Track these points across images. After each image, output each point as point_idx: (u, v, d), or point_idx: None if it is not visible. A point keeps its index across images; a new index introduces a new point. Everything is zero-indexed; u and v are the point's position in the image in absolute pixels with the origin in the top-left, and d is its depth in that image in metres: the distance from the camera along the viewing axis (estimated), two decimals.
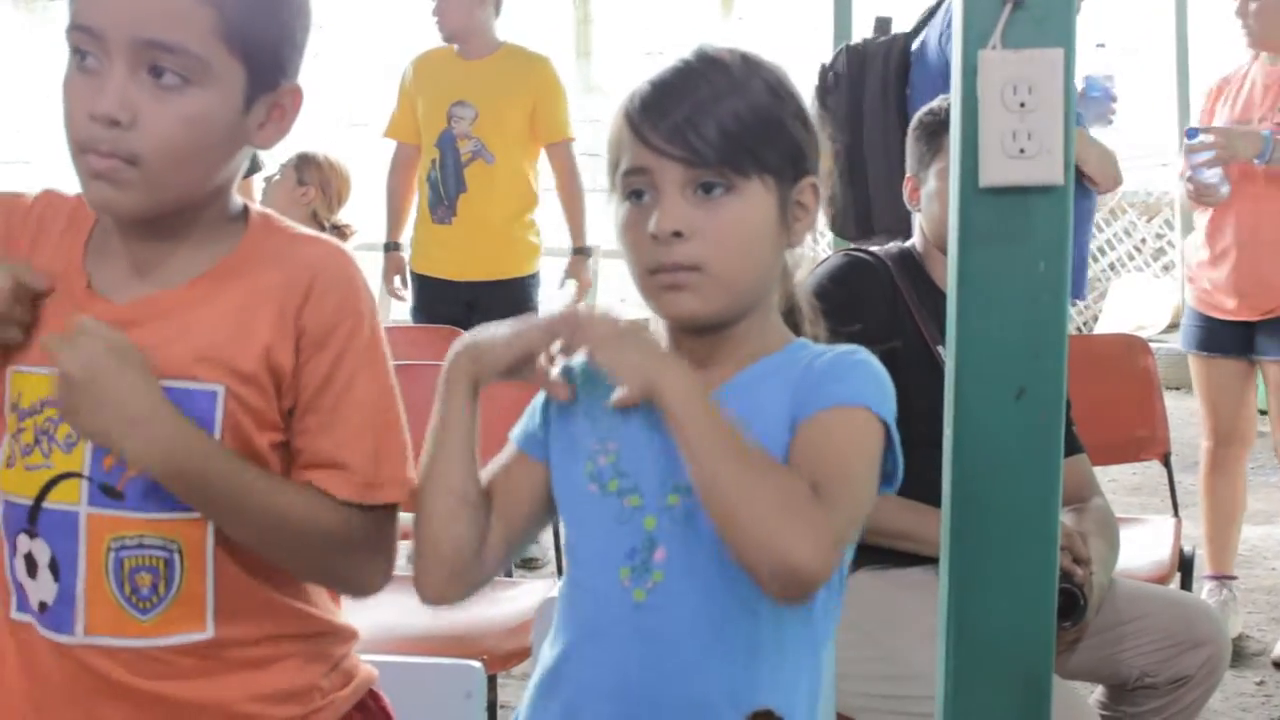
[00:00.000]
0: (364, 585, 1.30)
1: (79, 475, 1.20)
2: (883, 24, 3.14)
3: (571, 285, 4.26)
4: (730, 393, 1.23)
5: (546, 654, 1.29)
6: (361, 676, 1.33)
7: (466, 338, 1.24)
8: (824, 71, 3.07)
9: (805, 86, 1.31)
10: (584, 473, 1.25)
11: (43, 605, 1.22)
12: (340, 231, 3.71)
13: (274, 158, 3.93)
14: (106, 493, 1.20)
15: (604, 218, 1.25)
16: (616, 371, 1.16)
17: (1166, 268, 7.29)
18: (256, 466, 1.22)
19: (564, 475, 1.27)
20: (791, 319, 1.31)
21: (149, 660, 1.21)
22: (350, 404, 1.23)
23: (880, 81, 3.00)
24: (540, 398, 1.32)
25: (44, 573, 1.21)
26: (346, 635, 1.32)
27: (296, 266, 1.23)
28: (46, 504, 1.20)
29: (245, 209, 1.28)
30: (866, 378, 1.22)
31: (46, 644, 1.23)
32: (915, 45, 3.02)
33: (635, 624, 1.21)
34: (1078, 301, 3.29)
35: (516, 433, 1.31)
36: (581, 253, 4.20)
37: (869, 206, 2.94)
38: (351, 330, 1.23)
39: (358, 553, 1.25)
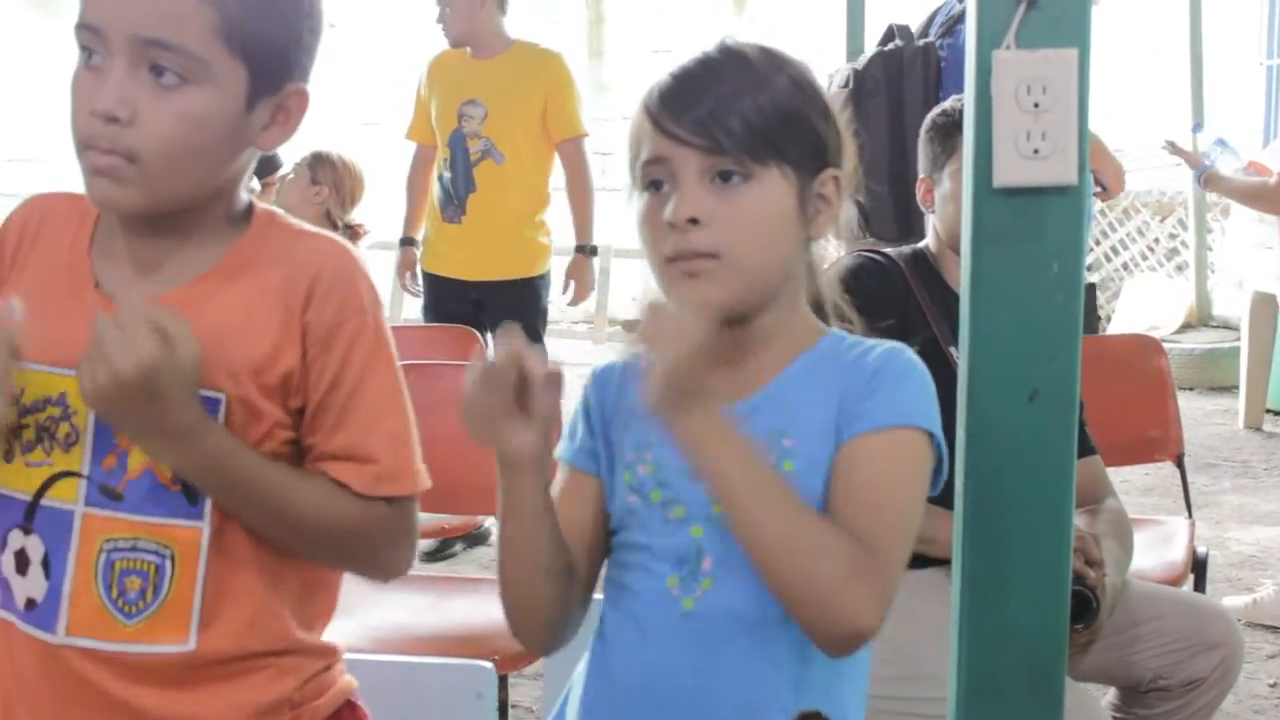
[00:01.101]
0: (386, 572, 1.31)
1: (77, 474, 1.20)
2: (903, 31, 3.15)
3: (572, 287, 4.20)
4: (769, 399, 1.22)
5: (590, 655, 1.29)
6: (338, 688, 1.32)
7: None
8: (859, 76, 3.08)
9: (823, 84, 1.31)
10: (624, 483, 1.25)
11: (30, 603, 1.22)
12: (353, 231, 3.72)
13: (290, 156, 3.94)
14: (106, 494, 1.20)
15: (616, 216, 1.25)
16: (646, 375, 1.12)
17: (1180, 268, 7.26)
18: (282, 465, 1.22)
19: (608, 484, 1.27)
20: (819, 315, 1.31)
21: (127, 666, 1.21)
22: (361, 400, 1.23)
23: (921, 86, 3.02)
24: (578, 408, 1.31)
25: (35, 569, 1.21)
26: (325, 652, 1.31)
27: (298, 264, 1.23)
28: (44, 501, 1.20)
29: (250, 207, 1.28)
30: (918, 387, 1.21)
31: (26, 643, 1.22)
32: (942, 50, 3.05)
33: (685, 631, 1.21)
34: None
35: (566, 451, 1.30)
36: (584, 251, 4.14)
37: (909, 210, 2.95)
38: (358, 328, 1.23)
39: (379, 542, 1.26)
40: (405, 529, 1.27)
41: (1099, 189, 3.35)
